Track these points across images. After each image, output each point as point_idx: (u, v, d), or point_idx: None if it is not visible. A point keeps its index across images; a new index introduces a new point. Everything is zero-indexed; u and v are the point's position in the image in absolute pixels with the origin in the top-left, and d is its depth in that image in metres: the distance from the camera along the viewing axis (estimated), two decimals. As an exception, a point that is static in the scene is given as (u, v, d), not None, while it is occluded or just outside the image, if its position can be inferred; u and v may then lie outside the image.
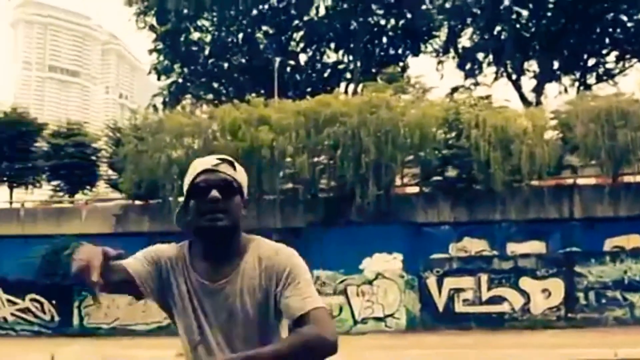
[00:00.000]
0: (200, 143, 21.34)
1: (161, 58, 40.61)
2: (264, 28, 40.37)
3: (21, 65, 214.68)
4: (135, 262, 2.50)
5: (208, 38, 40.66)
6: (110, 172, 29.42)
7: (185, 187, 2.56)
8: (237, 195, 2.52)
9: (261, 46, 40.57)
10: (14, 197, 30.51)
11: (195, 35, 40.62)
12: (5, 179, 29.88)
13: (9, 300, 22.83)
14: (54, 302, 22.30)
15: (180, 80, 40.73)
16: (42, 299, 22.58)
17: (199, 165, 2.54)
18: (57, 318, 22.45)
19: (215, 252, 2.50)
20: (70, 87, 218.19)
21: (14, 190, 30.11)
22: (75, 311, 22.46)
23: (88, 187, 30.01)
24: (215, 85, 41.33)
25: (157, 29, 39.79)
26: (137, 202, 22.40)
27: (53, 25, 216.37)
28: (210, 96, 39.99)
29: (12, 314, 22.79)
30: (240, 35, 40.07)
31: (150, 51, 40.98)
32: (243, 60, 40.79)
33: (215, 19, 39.73)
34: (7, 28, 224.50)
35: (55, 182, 30.24)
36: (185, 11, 38.37)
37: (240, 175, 2.57)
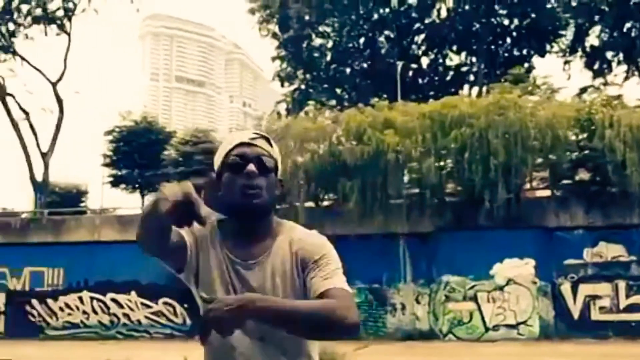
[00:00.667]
0: (325, 148, 21.41)
1: (284, 65, 41.16)
2: (385, 32, 40.20)
3: (149, 77, 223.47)
4: (182, 230, 2.31)
5: (330, 44, 40.90)
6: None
7: (217, 161, 2.45)
8: (272, 173, 2.41)
9: (382, 50, 40.39)
10: (145, 203, 31.63)
11: (317, 42, 40.94)
12: (136, 186, 31.07)
13: (142, 304, 23.62)
14: (185, 305, 22.88)
15: (303, 87, 41.12)
16: (174, 303, 23.22)
17: (235, 138, 2.44)
18: (188, 321, 23.02)
19: (246, 230, 2.39)
20: (196, 97, 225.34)
21: (145, 197, 31.24)
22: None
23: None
24: (338, 90, 41.48)
25: (279, 36, 40.39)
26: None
27: (179, 37, 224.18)
28: (332, 102, 40.17)
29: (146, 317, 23.57)
30: (362, 40, 40.07)
31: (273, 58, 41.62)
32: (365, 65, 40.75)
33: (336, 25, 39.91)
34: (136, 40, 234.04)
35: (185, 189, 31.20)
36: (307, 18, 38.75)
37: (276, 152, 2.47)
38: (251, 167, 2.33)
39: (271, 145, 2.45)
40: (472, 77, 40.62)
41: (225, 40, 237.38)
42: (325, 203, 22.10)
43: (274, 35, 40.76)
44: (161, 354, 18.13)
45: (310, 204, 21.53)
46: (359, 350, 16.85)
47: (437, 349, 18.19)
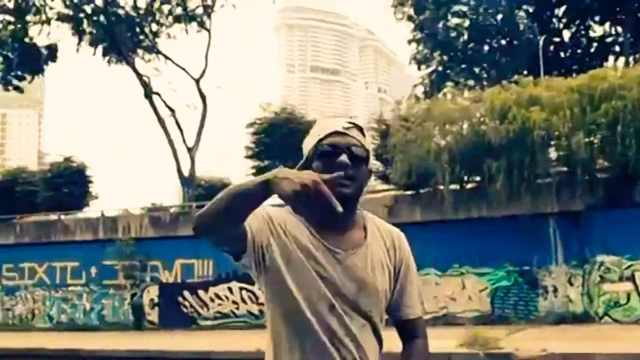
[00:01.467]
0: (468, 128, 20.94)
1: (420, 47, 40.70)
2: (524, 7, 38.98)
3: (285, 68, 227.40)
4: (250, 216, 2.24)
5: (466, 23, 40.06)
6: (377, 163, 30.03)
7: (307, 147, 2.42)
8: (364, 163, 2.38)
9: (521, 26, 39.18)
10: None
11: (454, 21, 40.20)
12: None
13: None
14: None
15: (440, 69, 40.55)
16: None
17: (328, 125, 2.39)
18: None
19: (334, 219, 2.29)
20: (332, 85, 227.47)
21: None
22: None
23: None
24: (476, 70, 40.61)
25: (414, 18, 39.96)
26: (408, 192, 22.48)
27: (313, 27, 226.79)
28: (471, 82, 39.38)
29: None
30: (499, 17, 39.03)
31: (409, 41, 41.23)
32: (503, 42, 39.71)
33: (472, 3, 39.07)
34: (271, 33, 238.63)
35: (326, 177, 31.48)
36: (442, -2, 38.15)
37: (369, 142, 2.43)
38: (344, 157, 2.30)
39: (364, 135, 2.42)
40: (617, 48, 38.71)
41: (358, 27, 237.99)
42: (470, 185, 21.63)
43: (409, 18, 40.35)
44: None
45: (454, 186, 21.14)
46: (511, 334, 16.43)
47: (593, 333, 17.42)
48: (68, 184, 36.65)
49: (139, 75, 33.18)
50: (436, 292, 20.66)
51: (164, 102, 32.65)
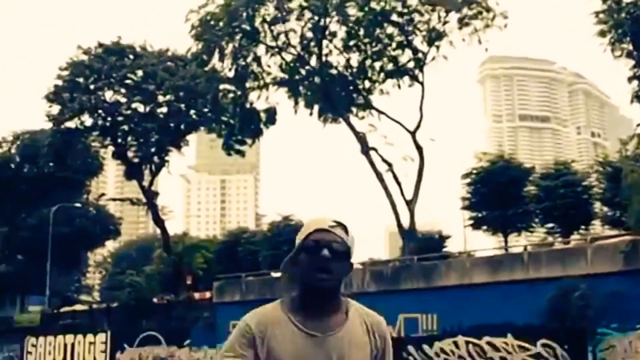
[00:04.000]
0: None
1: (642, 84, 38.11)
2: None
3: (491, 118, 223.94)
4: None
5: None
6: (605, 208, 28.26)
7: (297, 241, 2.70)
8: (345, 259, 2.65)
9: None
10: (508, 242, 31.07)
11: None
12: (498, 225, 30.59)
13: (520, 346, 22.79)
14: (566, 347, 21.60)
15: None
16: (554, 344, 22.02)
17: (314, 224, 2.68)
18: (571, 363, 21.67)
19: (318, 306, 2.63)
20: (542, 133, 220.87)
21: (508, 237, 30.63)
22: (590, 356, 21.46)
23: (583, 226, 29.18)
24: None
25: (634, 54, 37.57)
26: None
27: (518, 75, 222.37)
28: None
29: (524, 360, 22.66)
30: None
31: (630, 79, 38.77)
32: None
33: None
34: (474, 85, 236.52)
35: (548, 225, 30.02)
36: None
37: (352, 240, 2.69)
38: (325, 252, 2.59)
39: (347, 232, 2.68)
40: None
41: (566, 71, 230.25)
42: None
43: (629, 55, 38.00)
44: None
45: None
46: None
47: None
48: (287, 242, 37.80)
49: (356, 133, 33.66)
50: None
51: (381, 157, 32.82)
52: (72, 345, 35.09)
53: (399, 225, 31.42)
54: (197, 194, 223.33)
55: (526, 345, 22.55)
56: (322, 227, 2.66)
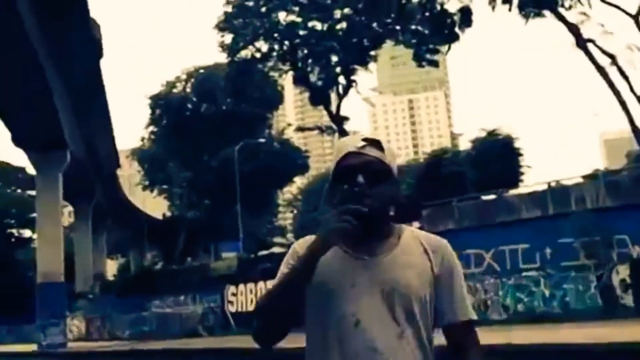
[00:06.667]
0: None
1: None
2: None
3: None
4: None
5: None
6: None
7: (331, 169, 2.63)
8: (385, 180, 2.55)
9: None
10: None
11: None
12: None
13: None
14: None
15: None
16: None
17: (343, 147, 2.59)
18: None
19: (366, 233, 2.51)
20: None
21: None
22: None
23: None
24: None
25: None
26: None
27: None
28: None
29: None
30: None
31: None
32: None
33: None
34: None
35: None
36: None
37: (390, 155, 2.60)
38: (360, 179, 2.48)
39: (382, 149, 2.57)
40: None
41: None
42: None
43: None
44: None
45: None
46: None
47: None
48: (496, 160, 36.62)
49: (567, 24, 31.52)
50: None
51: (600, 49, 30.55)
52: (274, 290, 36.08)
53: (634, 127, 29.18)
54: (384, 117, 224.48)
55: None
56: (350, 150, 2.56)
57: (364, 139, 2.59)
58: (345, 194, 2.49)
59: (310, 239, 2.57)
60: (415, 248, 2.63)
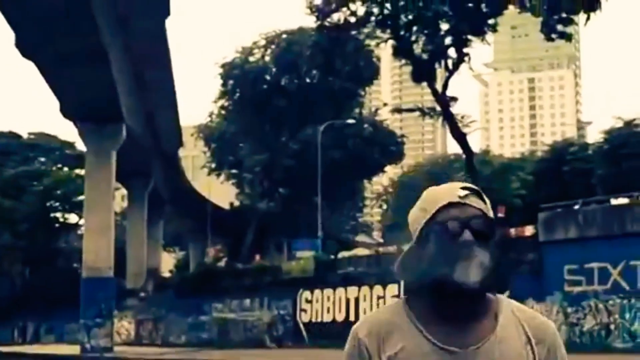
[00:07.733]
0: None
1: None
2: None
3: None
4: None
5: None
6: None
7: (415, 224, 2.48)
8: (491, 238, 2.40)
9: None
10: None
11: None
12: None
13: None
14: None
15: None
16: None
17: (440, 196, 2.43)
18: None
19: (459, 312, 2.39)
20: None
21: None
22: None
23: None
24: None
25: None
26: None
27: None
28: None
29: None
30: None
31: None
32: None
33: None
34: None
35: None
36: None
37: (490, 210, 2.47)
38: (467, 235, 2.34)
39: (484, 201, 2.45)
40: None
41: None
42: None
43: None
44: None
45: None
46: None
47: None
48: (633, 157, 35.94)
49: None
50: None
51: None
52: (356, 299, 35.96)
53: None
54: (498, 99, 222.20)
55: None
56: (451, 200, 2.39)
57: (464, 187, 2.45)
58: (446, 254, 2.33)
59: (377, 319, 2.49)
60: (516, 335, 2.45)
